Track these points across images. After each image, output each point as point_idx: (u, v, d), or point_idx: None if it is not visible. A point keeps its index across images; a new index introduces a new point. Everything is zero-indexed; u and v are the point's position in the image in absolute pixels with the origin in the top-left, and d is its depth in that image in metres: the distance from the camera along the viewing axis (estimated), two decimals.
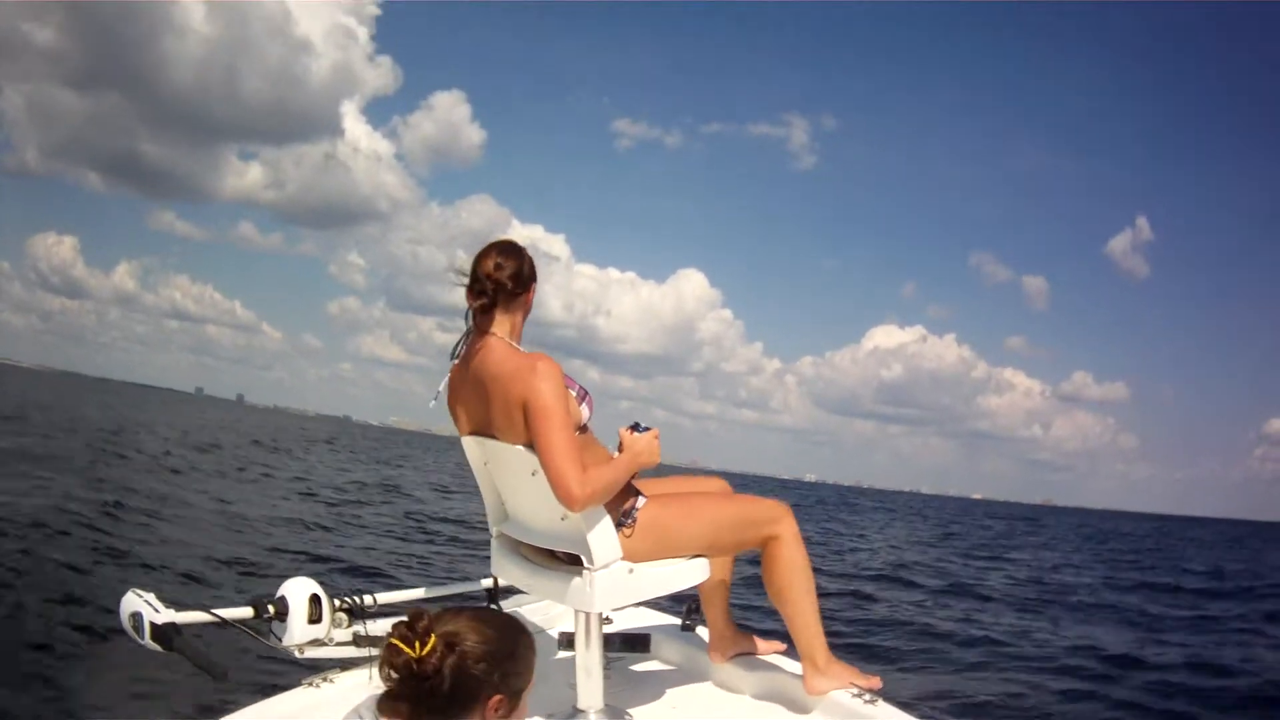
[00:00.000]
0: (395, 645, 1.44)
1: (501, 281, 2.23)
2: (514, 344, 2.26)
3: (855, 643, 7.85)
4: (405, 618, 1.48)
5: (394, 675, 1.44)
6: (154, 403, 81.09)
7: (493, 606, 2.82)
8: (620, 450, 2.25)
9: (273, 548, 9.80)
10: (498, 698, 1.50)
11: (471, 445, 2.36)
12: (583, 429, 2.27)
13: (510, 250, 2.28)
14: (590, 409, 2.29)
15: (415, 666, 1.43)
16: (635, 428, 2.29)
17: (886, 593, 12.43)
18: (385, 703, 1.46)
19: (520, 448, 2.19)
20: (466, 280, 2.27)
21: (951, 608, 11.38)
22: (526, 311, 2.33)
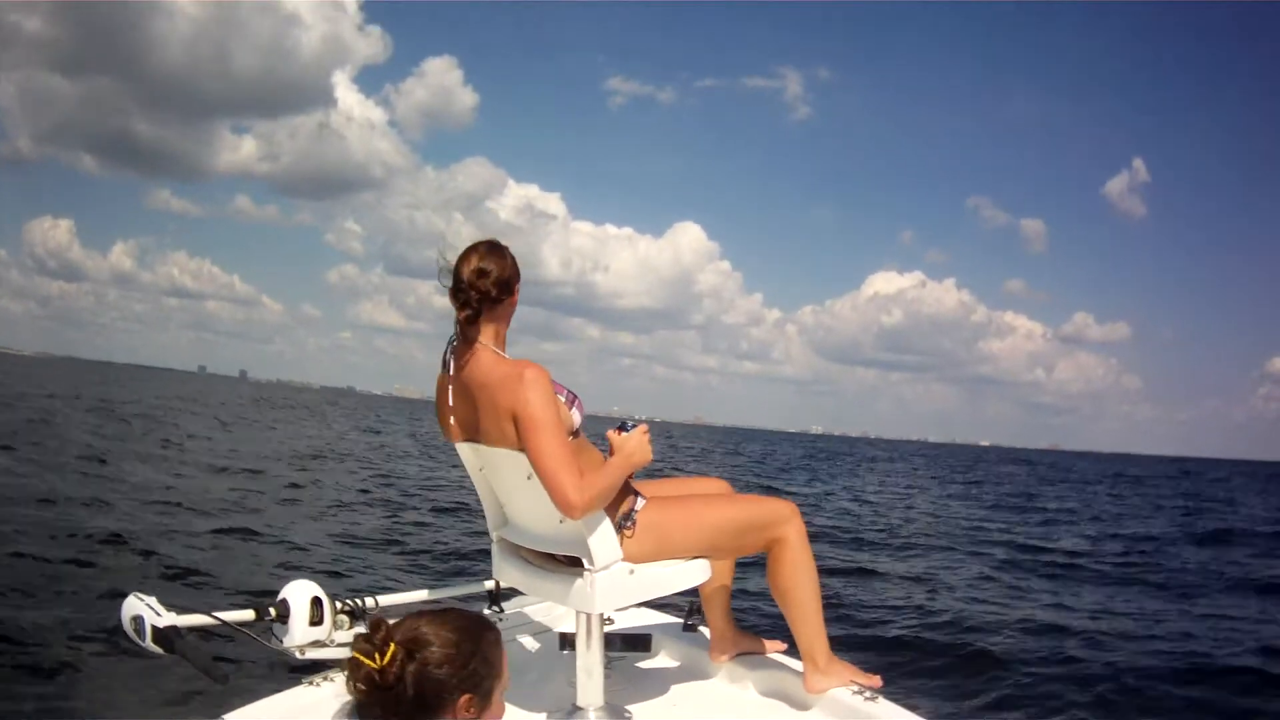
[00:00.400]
0: (356, 659, 1.49)
1: (486, 290, 2.24)
2: (499, 351, 2.29)
3: (949, 642, 6.16)
4: (364, 629, 1.53)
5: (361, 687, 1.49)
6: (137, 380, 78.71)
7: (495, 608, 2.91)
8: (611, 453, 2.28)
9: (88, 534, 7.92)
10: (466, 697, 1.54)
11: (466, 451, 2.42)
12: (574, 434, 2.31)
13: (492, 253, 2.29)
14: (581, 413, 2.33)
15: (378, 678, 1.48)
16: (623, 428, 2.30)
17: (956, 572, 9.89)
18: (360, 711, 1.51)
19: (514, 452, 2.23)
20: (450, 284, 2.29)
21: (1039, 585, 9.51)
22: (512, 311, 2.35)
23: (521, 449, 2.17)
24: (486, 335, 2.27)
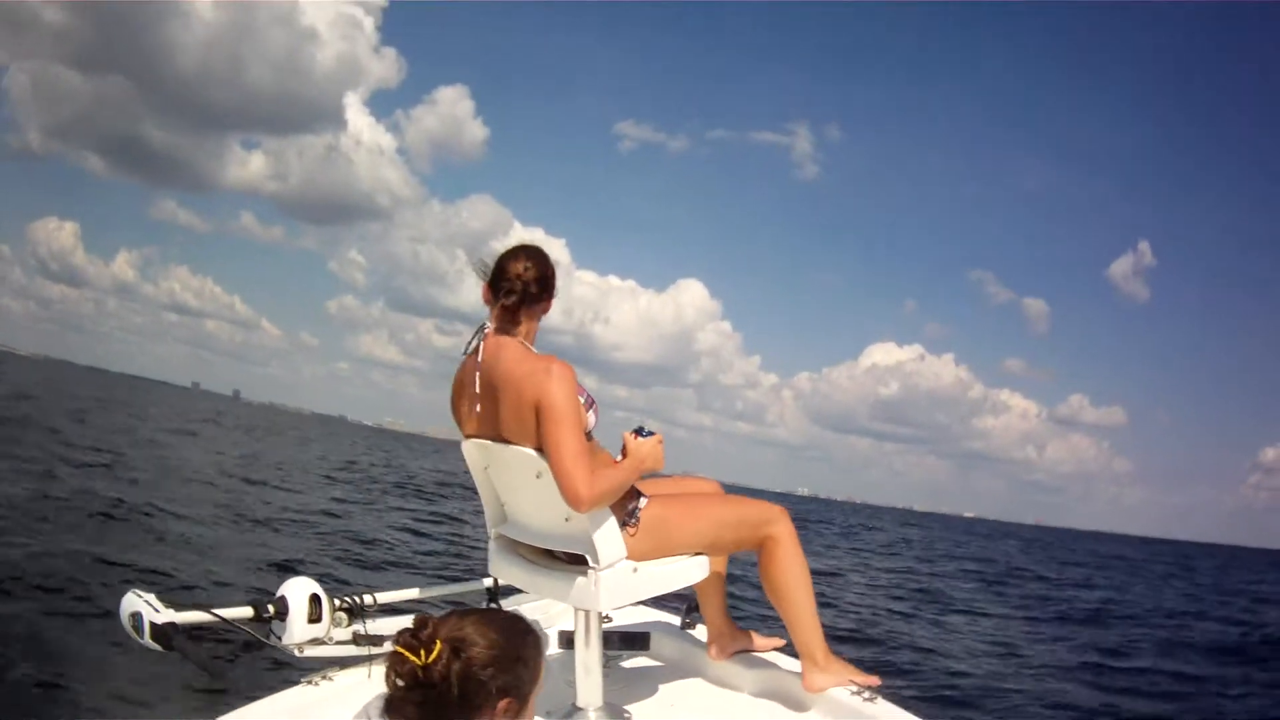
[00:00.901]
0: (400, 653, 1.48)
1: (528, 283, 2.41)
2: (529, 346, 2.45)
3: None
4: (409, 625, 1.53)
5: (400, 683, 1.49)
6: (114, 388, 75.55)
7: (494, 606, 2.96)
8: (624, 454, 2.43)
9: None
10: (505, 701, 1.54)
11: (472, 450, 2.51)
12: (588, 436, 2.45)
13: (538, 255, 2.48)
14: (596, 416, 2.45)
15: (422, 674, 1.46)
16: (639, 432, 2.44)
17: None
18: (392, 706, 1.51)
19: (526, 450, 2.34)
20: (488, 276, 2.47)
21: None
22: (544, 312, 2.51)
23: (536, 446, 2.29)
24: (520, 330, 2.41)
